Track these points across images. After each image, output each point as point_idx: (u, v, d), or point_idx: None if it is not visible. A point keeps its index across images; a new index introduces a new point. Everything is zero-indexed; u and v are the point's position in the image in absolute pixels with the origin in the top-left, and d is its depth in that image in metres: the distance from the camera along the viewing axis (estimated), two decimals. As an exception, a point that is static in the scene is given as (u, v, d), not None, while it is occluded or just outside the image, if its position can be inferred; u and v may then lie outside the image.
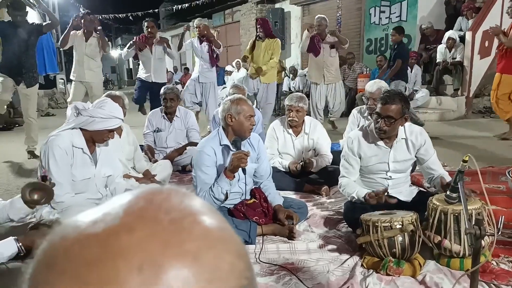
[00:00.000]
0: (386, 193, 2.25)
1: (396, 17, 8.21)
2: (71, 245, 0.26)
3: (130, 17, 16.00)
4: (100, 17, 17.22)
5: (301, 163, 3.29)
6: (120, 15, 16.08)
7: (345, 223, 2.48)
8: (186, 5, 13.59)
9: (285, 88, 9.36)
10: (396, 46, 5.83)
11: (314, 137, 3.44)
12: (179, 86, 8.07)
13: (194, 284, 0.26)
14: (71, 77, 5.06)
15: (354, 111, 3.76)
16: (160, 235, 0.27)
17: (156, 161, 3.73)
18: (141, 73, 5.48)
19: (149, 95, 5.59)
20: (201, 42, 5.60)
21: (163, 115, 4.04)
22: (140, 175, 3.21)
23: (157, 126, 4.04)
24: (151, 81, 5.37)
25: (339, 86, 5.72)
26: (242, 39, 12.92)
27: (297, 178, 3.31)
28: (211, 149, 2.43)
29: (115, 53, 27.35)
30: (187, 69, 14.58)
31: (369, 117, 3.46)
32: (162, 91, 4.01)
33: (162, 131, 4.04)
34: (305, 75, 9.64)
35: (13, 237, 1.61)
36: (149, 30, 5.32)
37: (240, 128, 2.39)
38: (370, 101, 3.34)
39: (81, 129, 2.30)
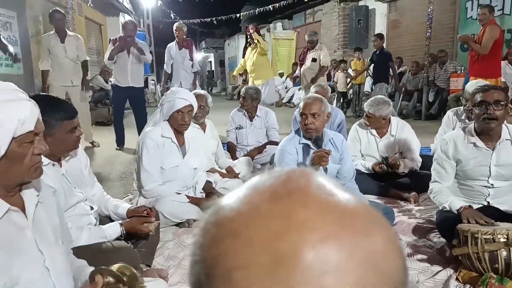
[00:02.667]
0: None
1: (498, 10, 7.37)
2: (254, 218, 0.28)
3: (214, 21, 16.74)
4: (188, 21, 18.31)
5: (383, 161, 3.12)
6: (205, 19, 16.90)
7: (437, 233, 2.29)
8: (268, 7, 13.80)
9: (366, 88, 8.98)
10: (378, 52, 6.53)
11: (401, 139, 3.24)
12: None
13: (366, 262, 0.26)
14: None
15: (450, 112, 3.48)
16: (332, 212, 0.27)
17: (236, 158, 3.85)
18: (116, 79, 4.90)
19: (129, 102, 5.15)
20: (180, 48, 5.48)
21: (244, 113, 4.15)
22: (223, 171, 3.32)
23: (239, 123, 4.16)
24: (128, 86, 4.81)
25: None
26: (322, 38, 12.73)
27: (382, 181, 3.14)
28: (293, 148, 2.43)
29: (198, 56, 28.82)
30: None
31: (466, 120, 3.17)
32: (243, 89, 4.15)
33: (243, 128, 4.15)
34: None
35: (119, 221, 1.84)
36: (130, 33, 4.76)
37: (300, 125, 2.41)
38: (470, 103, 3.04)
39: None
